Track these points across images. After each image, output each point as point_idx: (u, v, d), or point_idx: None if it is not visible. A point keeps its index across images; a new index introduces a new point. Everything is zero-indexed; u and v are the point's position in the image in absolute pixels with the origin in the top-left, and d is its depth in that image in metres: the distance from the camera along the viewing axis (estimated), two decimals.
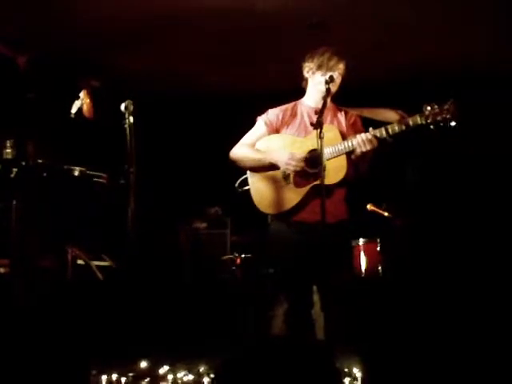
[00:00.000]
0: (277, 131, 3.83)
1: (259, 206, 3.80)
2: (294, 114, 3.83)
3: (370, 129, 3.55)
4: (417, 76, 6.24)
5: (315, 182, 3.56)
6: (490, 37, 5.60)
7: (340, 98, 3.85)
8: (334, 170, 3.57)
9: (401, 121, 3.46)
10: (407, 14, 5.21)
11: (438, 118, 3.38)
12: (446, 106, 3.39)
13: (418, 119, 3.42)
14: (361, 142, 3.49)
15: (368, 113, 3.78)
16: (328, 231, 3.35)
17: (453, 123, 3.38)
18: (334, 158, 3.57)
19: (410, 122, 3.43)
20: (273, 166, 3.74)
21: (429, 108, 3.40)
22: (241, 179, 4.05)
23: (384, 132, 3.47)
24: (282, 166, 3.68)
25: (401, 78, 6.30)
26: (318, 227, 3.33)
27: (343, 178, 3.58)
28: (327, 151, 3.54)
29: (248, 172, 3.89)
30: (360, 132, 3.60)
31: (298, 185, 3.68)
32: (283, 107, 3.88)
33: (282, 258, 3.77)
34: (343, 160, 3.58)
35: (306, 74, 3.81)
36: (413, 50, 5.89)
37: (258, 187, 3.82)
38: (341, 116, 3.79)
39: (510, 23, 5.30)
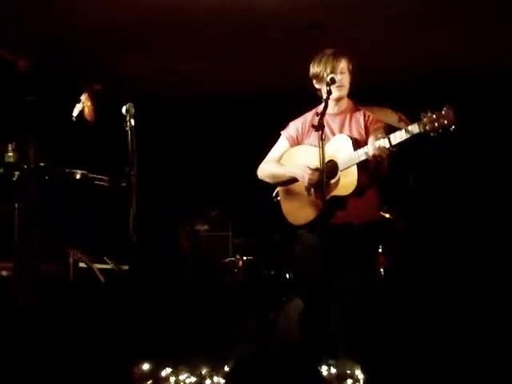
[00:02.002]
0: (299, 143, 3.88)
1: (288, 218, 3.88)
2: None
3: (371, 139, 3.58)
4: (417, 76, 6.24)
5: (333, 193, 3.60)
6: (489, 37, 5.60)
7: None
8: (346, 182, 3.60)
9: (400, 129, 3.49)
10: (407, 14, 5.21)
11: (437, 125, 3.37)
12: (443, 112, 3.37)
13: (417, 128, 3.41)
14: (376, 154, 3.50)
15: (378, 113, 3.79)
16: (356, 233, 3.41)
17: (452, 128, 3.38)
18: (347, 168, 3.60)
19: (410, 131, 3.44)
20: (295, 179, 3.79)
21: (427, 115, 3.40)
22: (277, 190, 4.13)
23: (387, 142, 3.48)
24: (300, 180, 3.73)
25: (400, 78, 6.30)
26: (344, 229, 3.44)
27: (355, 189, 3.59)
28: (340, 163, 3.60)
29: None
30: (378, 131, 3.64)
31: (318, 196, 3.69)
32: (302, 117, 3.92)
33: (305, 261, 3.80)
34: (354, 170, 3.60)
35: (315, 85, 3.83)
36: (413, 50, 5.89)
37: (286, 200, 3.90)
38: (360, 116, 3.79)
39: (510, 23, 5.30)
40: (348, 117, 3.79)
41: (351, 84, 3.79)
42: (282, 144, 3.95)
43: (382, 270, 5.47)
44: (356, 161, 3.57)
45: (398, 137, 3.46)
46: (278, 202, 4.01)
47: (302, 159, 3.79)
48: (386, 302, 4.99)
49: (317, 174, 3.65)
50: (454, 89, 5.74)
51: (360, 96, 3.88)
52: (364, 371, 3.47)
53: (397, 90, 6.24)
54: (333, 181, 3.60)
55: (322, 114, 3.44)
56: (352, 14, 5.25)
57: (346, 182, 3.60)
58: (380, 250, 5.49)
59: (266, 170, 3.94)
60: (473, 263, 5.86)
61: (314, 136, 3.77)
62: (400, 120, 4.06)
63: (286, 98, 3.88)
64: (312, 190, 3.72)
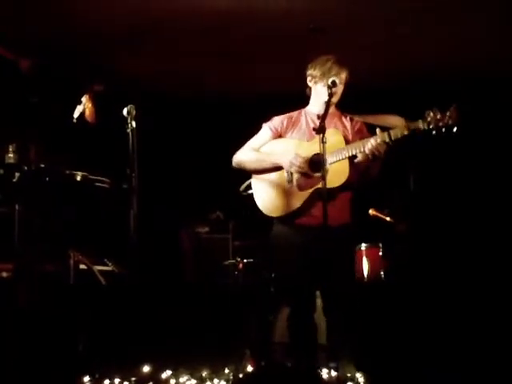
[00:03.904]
0: (280, 137, 3.87)
1: (263, 209, 3.83)
2: (297, 121, 3.87)
3: (378, 131, 3.57)
4: (417, 76, 6.24)
5: (317, 186, 3.58)
6: (489, 36, 5.60)
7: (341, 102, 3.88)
8: (336, 174, 3.58)
9: (403, 126, 3.47)
10: (407, 14, 5.22)
11: (440, 124, 3.38)
12: (448, 113, 3.39)
13: (421, 125, 3.42)
14: (373, 148, 3.49)
15: (372, 119, 3.80)
16: (330, 235, 3.36)
17: (455, 129, 3.38)
18: (337, 162, 3.58)
19: (412, 128, 3.44)
20: (276, 168, 3.78)
21: (431, 114, 3.40)
22: (246, 183, 4.10)
23: (386, 137, 3.48)
24: (286, 167, 3.71)
25: (400, 79, 6.31)
26: (321, 231, 3.34)
27: (345, 182, 3.59)
28: (331, 156, 3.56)
29: (252, 176, 3.92)
30: (365, 138, 3.60)
31: (300, 188, 3.70)
32: (288, 114, 3.92)
33: (284, 262, 3.79)
34: (345, 164, 3.60)
35: (308, 82, 3.84)
36: (412, 50, 5.89)
37: (262, 190, 3.85)
38: (346, 122, 3.82)
39: (510, 23, 5.31)
40: (335, 120, 3.81)
41: (342, 95, 3.80)
42: (263, 134, 3.91)
43: (382, 272, 5.47)
44: (348, 154, 3.56)
45: (399, 132, 3.47)
46: (249, 195, 3.98)
47: (284, 150, 3.77)
48: (387, 304, 5.00)
49: (306, 164, 3.66)
50: (453, 89, 5.74)
51: (360, 98, 3.89)
52: (364, 374, 3.48)
53: (396, 91, 6.24)
54: (319, 174, 3.54)
55: (323, 116, 3.44)
56: (353, 16, 5.26)
57: (336, 175, 3.58)
58: (380, 253, 5.50)
59: (246, 155, 3.88)
60: (474, 265, 5.85)
61: (296, 133, 3.82)
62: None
63: (287, 101, 3.88)
64: (294, 180, 3.71)
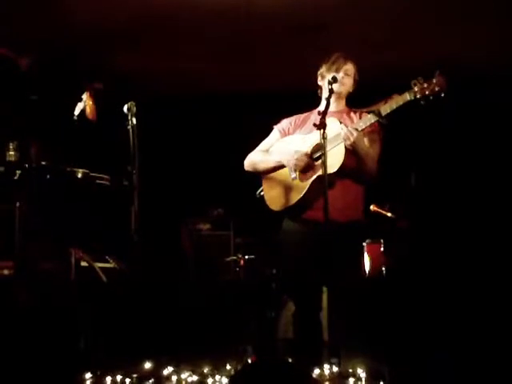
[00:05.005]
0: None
1: (270, 204, 3.87)
2: (306, 119, 3.90)
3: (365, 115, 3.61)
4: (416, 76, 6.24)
5: (318, 173, 3.60)
6: (490, 37, 5.60)
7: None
8: (333, 159, 3.59)
9: (391, 101, 3.51)
10: (407, 14, 5.21)
11: (427, 92, 3.45)
12: (433, 80, 3.46)
13: (408, 96, 3.49)
14: (344, 135, 3.55)
15: (375, 108, 3.82)
16: (337, 231, 3.38)
17: (442, 95, 3.42)
18: (334, 147, 3.59)
19: (400, 100, 3.47)
20: (281, 166, 3.81)
21: (417, 84, 3.47)
22: (261, 188, 4.12)
23: (374, 115, 3.52)
24: (287, 164, 3.75)
25: (400, 79, 6.30)
26: (328, 226, 3.33)
27: (341, 166, 3.58)
28: (329, 143, 3.58)
29: (262, 177, 3.96)
30: (377, 130, 3.70)
31: (302, 179, 3.71)
32: (297, 115, 3.97)
33: (291, 258, 3.79)
34: (341, 148, 3.61)
35: (319, 82, 3.89)
36: (413, 50, 5.88)
37: (269, 187, 3.90)
38: (355, 117, 3.83)
39: (511, 23, 5.30)
40: (344, 116, 3.83)
41: (352, 92, 3.84)
42: (273, 136, 3.99)
43: (383, 268, 5.47)
44: (342, 135, 3.57)
45: (388, 107, 3.49)
46: (262, 196, 4.02)
47: (290, 146, 3.81)
48: (387, 300, 5.00)
49: (304, 157, 3.69)
50: (453, 89, 5.74)
51: (360, 97, 3.90)
52: (365, 369, 3.48)
53: (395, 90, 6.24)
54: (319, 162, 3.58)
55: (324, 112, 3.44)
56: (352, 16, 5.26)
57: (333, 161, 3.57)
58: (382, 249, 5.49)
59: (255, 157, 3.96)
60: (476, 261, 5.85)
61: (305, 129, 3.85)
62: None
63: (287, 97, 3.90)
64: (296, 174, 3.73)
